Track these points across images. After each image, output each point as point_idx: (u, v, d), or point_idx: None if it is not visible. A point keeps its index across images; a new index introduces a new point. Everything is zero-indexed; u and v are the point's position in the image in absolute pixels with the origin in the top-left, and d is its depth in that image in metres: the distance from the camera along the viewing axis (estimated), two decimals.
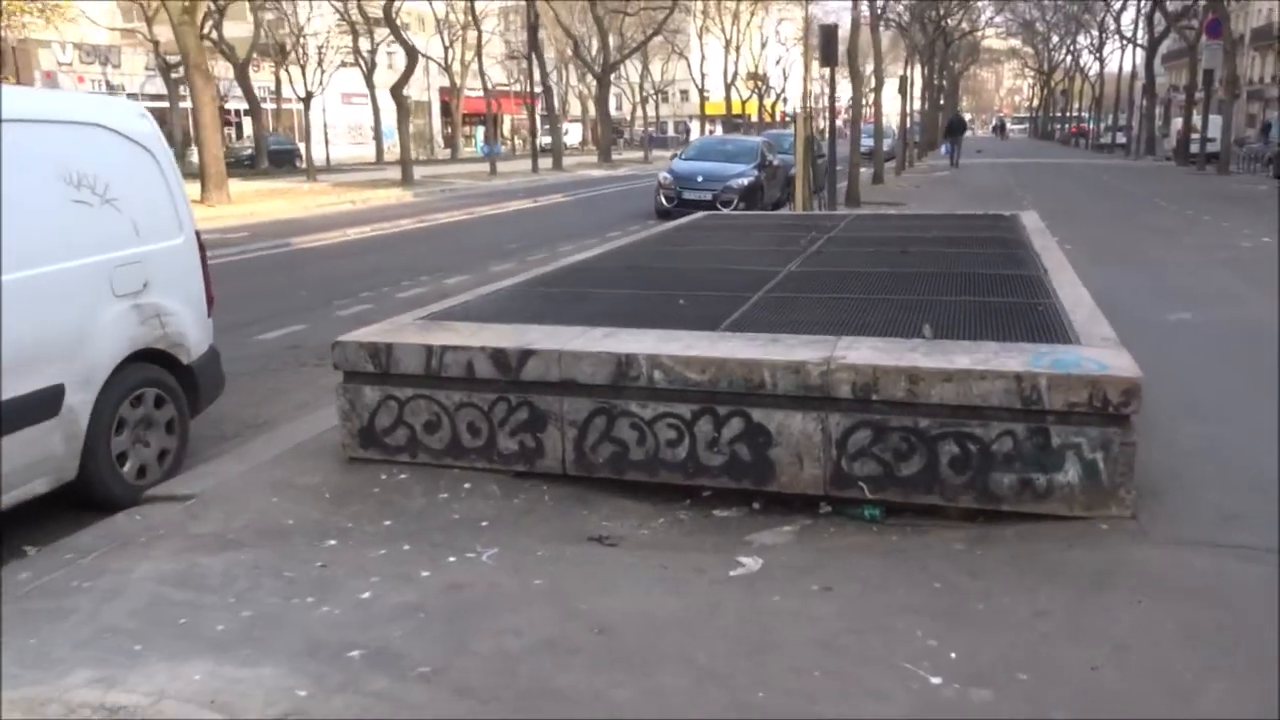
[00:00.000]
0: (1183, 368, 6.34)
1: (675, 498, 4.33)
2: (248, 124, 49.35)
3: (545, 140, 75.86)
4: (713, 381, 4.12)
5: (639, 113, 68.21)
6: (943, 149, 43.87)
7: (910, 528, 3.98)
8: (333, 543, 3.94)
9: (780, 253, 7.34)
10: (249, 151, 46.39)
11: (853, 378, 3.96)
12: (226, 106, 43.75)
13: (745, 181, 18.84)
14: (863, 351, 4.14)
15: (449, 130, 63.64)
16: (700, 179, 18.91)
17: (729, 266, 6.71)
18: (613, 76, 52.57)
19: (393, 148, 67.34)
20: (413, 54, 30.44)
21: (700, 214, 11.72)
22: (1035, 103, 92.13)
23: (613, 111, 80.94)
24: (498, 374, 4.39)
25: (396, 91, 30.17)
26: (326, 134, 49.96)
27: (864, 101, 27.27)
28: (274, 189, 28.50)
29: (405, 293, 10.25)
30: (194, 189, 23.72)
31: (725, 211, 18.26)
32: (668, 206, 18.94)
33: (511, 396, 4.40)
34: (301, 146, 50.25)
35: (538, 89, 42.20)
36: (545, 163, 42.46)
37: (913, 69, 41.13)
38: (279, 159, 46.20)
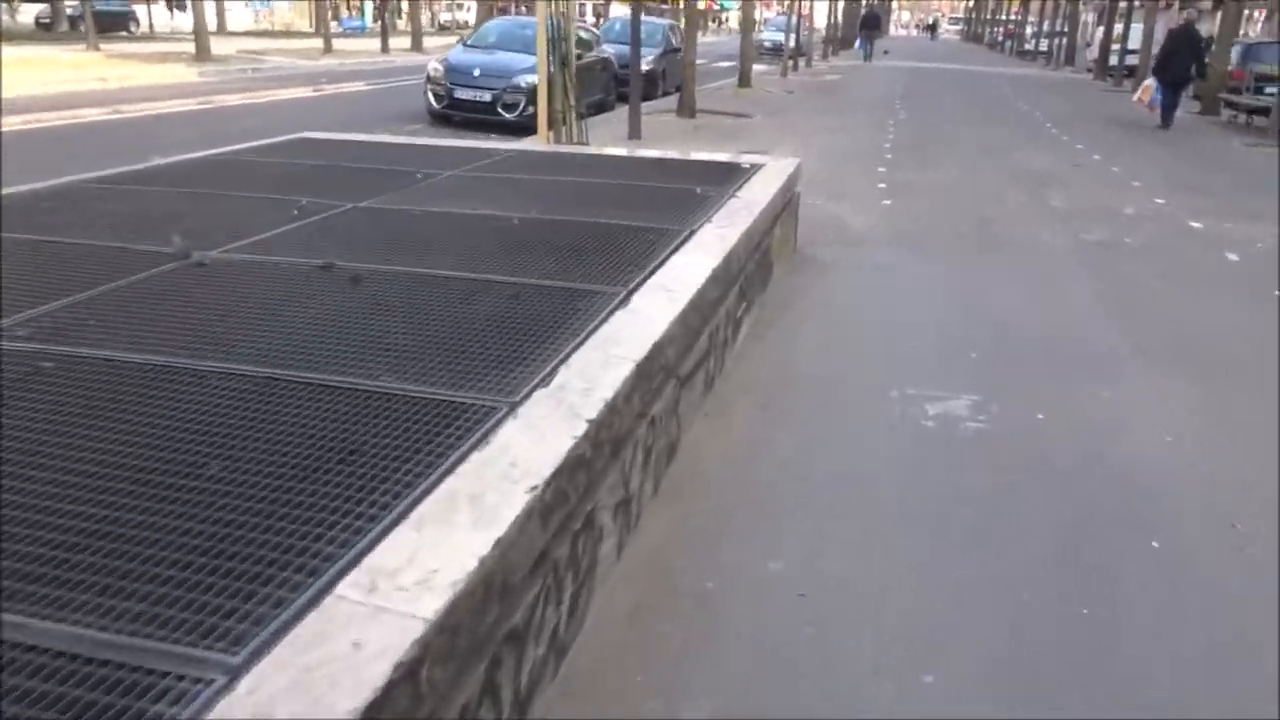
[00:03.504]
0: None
1: None
2: None
3: (448, 16, 69.55)
4: None
5: None
6: (857, 45, 40.76)
7: None
8: None
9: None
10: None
11: None
12: None
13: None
14: None
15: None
16: (478, 73, 14.57)
17: None
18: None
19: (266, 15, 60.91)
20: None
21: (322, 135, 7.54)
22: (972, 2, 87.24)
23: None
24: None
25: None
26: None
27: None
28: (26, 57, 23.43)
29: None
30: None
31: (509, 118, 14.27)
32: (438, 108, 14.71)
33: None
34: (140, 9, 44.04)
35: None
36: (425, 41, 37.33)
37: None
38: (105, 22, 40.03)
